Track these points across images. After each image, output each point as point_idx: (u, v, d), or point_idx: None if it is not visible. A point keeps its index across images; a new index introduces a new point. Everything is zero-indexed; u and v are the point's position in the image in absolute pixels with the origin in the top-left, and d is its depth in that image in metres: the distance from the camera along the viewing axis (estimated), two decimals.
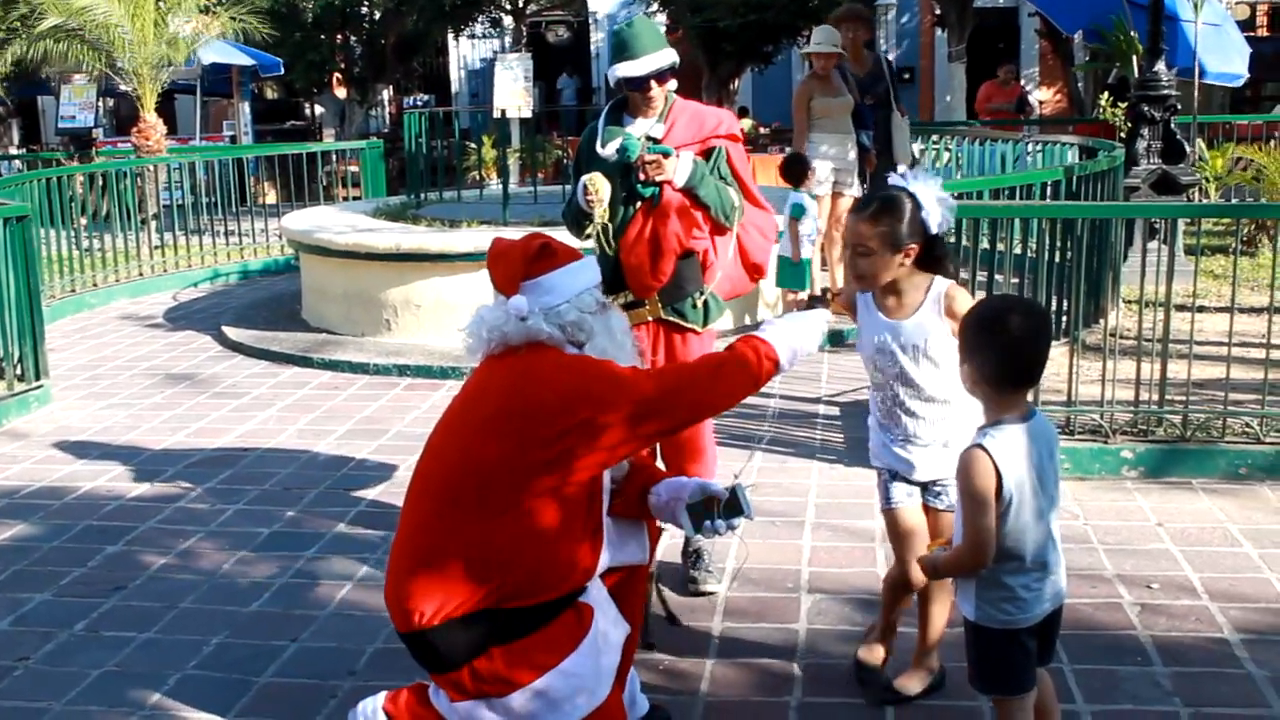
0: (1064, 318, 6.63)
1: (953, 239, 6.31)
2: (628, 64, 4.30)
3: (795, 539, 4.92)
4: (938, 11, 19.39)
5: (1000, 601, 2.91)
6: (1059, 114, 22.76)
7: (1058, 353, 6.28)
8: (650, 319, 4.42)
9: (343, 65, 22.24)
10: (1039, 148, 11.01)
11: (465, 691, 3.04)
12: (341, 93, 22.97)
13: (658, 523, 3.49)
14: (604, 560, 3.17)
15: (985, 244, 6.41)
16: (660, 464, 4.40)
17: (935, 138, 13.20)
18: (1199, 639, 3.99)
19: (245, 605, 4.47)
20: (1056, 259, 6.82)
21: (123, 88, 15.02)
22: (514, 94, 10.30)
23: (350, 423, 6.78)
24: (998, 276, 6.51)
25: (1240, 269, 6.85)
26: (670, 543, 4.64)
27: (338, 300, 8.88)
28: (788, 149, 9.71)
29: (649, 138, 4.37)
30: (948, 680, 3.68)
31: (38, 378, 7.33)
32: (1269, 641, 3.96)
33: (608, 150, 4.37)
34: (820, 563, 4.69)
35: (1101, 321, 7.36)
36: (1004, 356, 2.86)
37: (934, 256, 3.41)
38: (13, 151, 20.91)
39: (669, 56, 4.33)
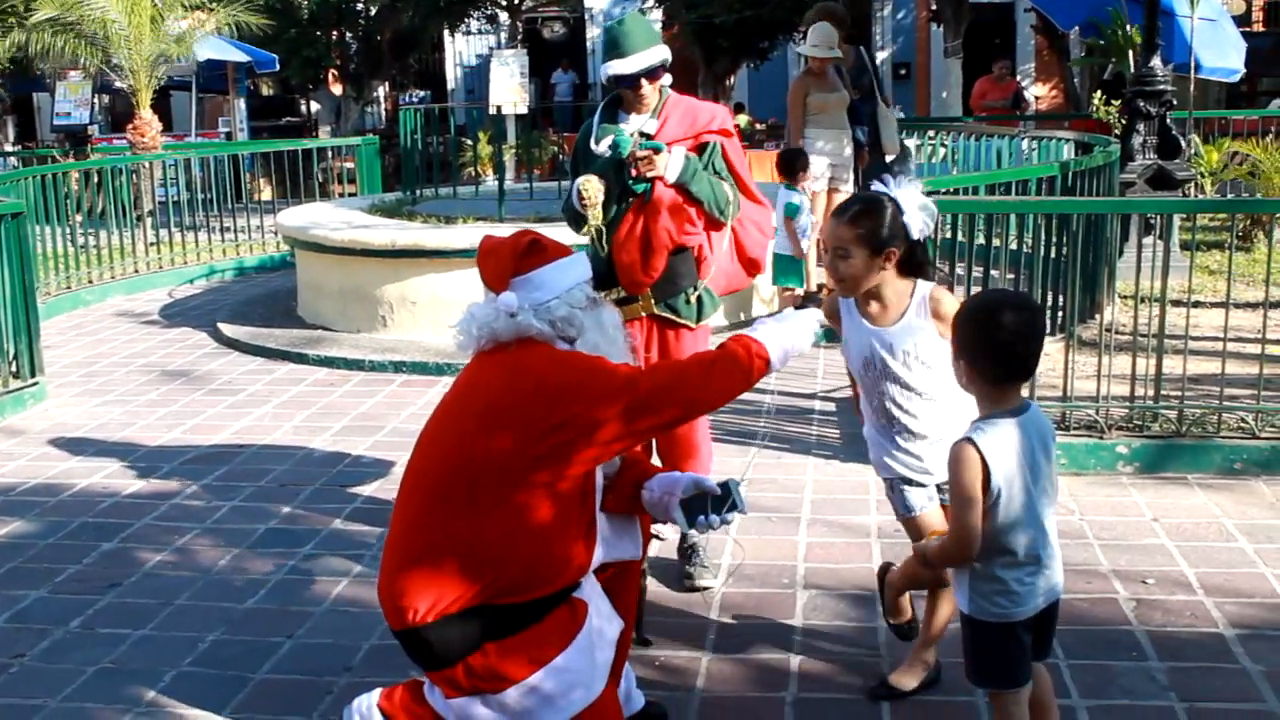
0: (1059, 313, 6.63)
1: (949, 234, 6.32)
2: (618, 62, 4.30)
3: (791, 535, 4.93)
4: (934, 7, 19.38)
5: (993, 594, 2.91)
6: (1055, 109, 22.77)
7: (1053, 348, 6.27)
8: (643, 315, 4.41)
9: (338, 61, 22.21)
10: (1035, 144, 11.02)
11: (460, 688, 3.04)
12: (337, 89, 22.93)
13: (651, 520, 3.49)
14: (598, 556, 3.17)
15: (981, 239, 6.41)
16: (656, 460, 4.40)
17: (931, 133, 13.20)
18: (1194, 634, 4.00)
19: (241, 602, 4.47)
20: (1052, 254, 6.82)
21: (118, 84, 14.99)
22: (510, 90, 10.30)
23: (346, 419, 6.78)
24: (993, 272, 6.50)
25: (1235, 264, 6.86)
26: (668, 540, 4.65)
27: (333, 297, 8.88)
28: (783, 145, 9.72)
29: (641, 133, 4.37)
30: (944, 676, 3.68)
31: (33, 375, 7.32)
32: (1264, 636, 3.96)
33: (601, 147, 4.36)
34: (816, 558, 4.69)
35: (1097, 317, 7.36)
36: (996, 351, 2.86)
37: (915, 262, 3.41)
38: (8, 148, 20.90)
39: (660, 54, 4.32)
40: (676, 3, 19.78)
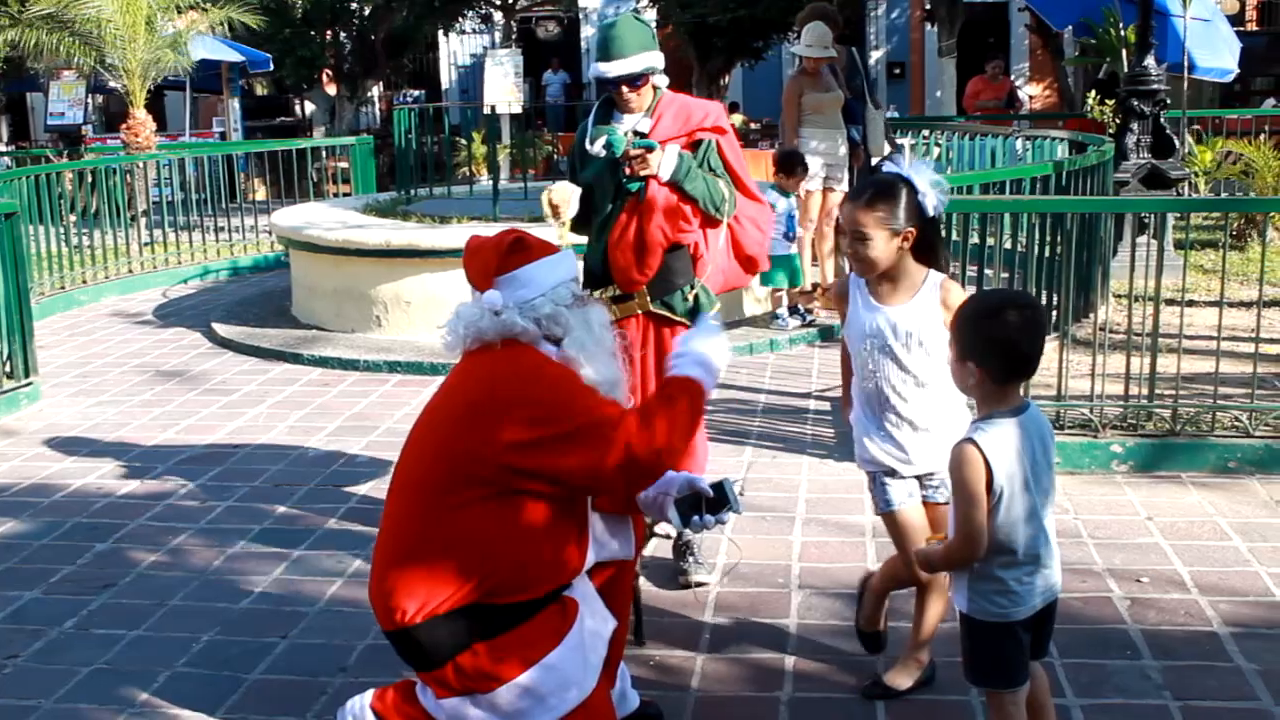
0: (1054, 312, 6.63)
1: (943, 233, 6.31)
2: (602, 64, 4.31)
3: (785, 534, 4.93)
4: (928, 6, 19.38)
5: (993, 594, 2.92)
6: (1049, 109, 22.79)
7: (1048, 347, 6.24)
8: (639, 312, 4.42)
9: (333, 61, 22.17)
10: (1029, 143, 11.03)
11: (450, 688, 3.03)
12: (331, 89, 22.90)
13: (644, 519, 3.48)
14: (590, 557, 3.17)
15: (975, 239, 6.41)
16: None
17: (925, 133, 13.21)
18: (1188, 632, 4.00)
19: (235, 602, 4.46)
20: (1046, 253, 6.83)
21: (112, 84, 14.95)
22: (504, 90, 10.30)
23: (340, 419, 6.77)
24: (988, 271, 6.51)
25: (1229, 263, 6.86)
26: (668, 540, 4.65)
27: (328, 297, 8.87)
28: (778, 144, 9.72)
29: (635, 132, 4.36)
30: (938, 675, 3.68)
31: (27, 375, 7.31)
32: (1258, 635, 3.97)
33: (595, 147, 4.36)
34: (810, 558, 4.69)
35: (1091, 316, 7.37)
36: (1000, 350, 2.86)
37: (929, 243, 3.42)
38: (1, 148, 20.85)
39: (645, 61, 4.29)
40: (671, 2, 19.77)
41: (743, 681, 3.80)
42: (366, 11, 21.98)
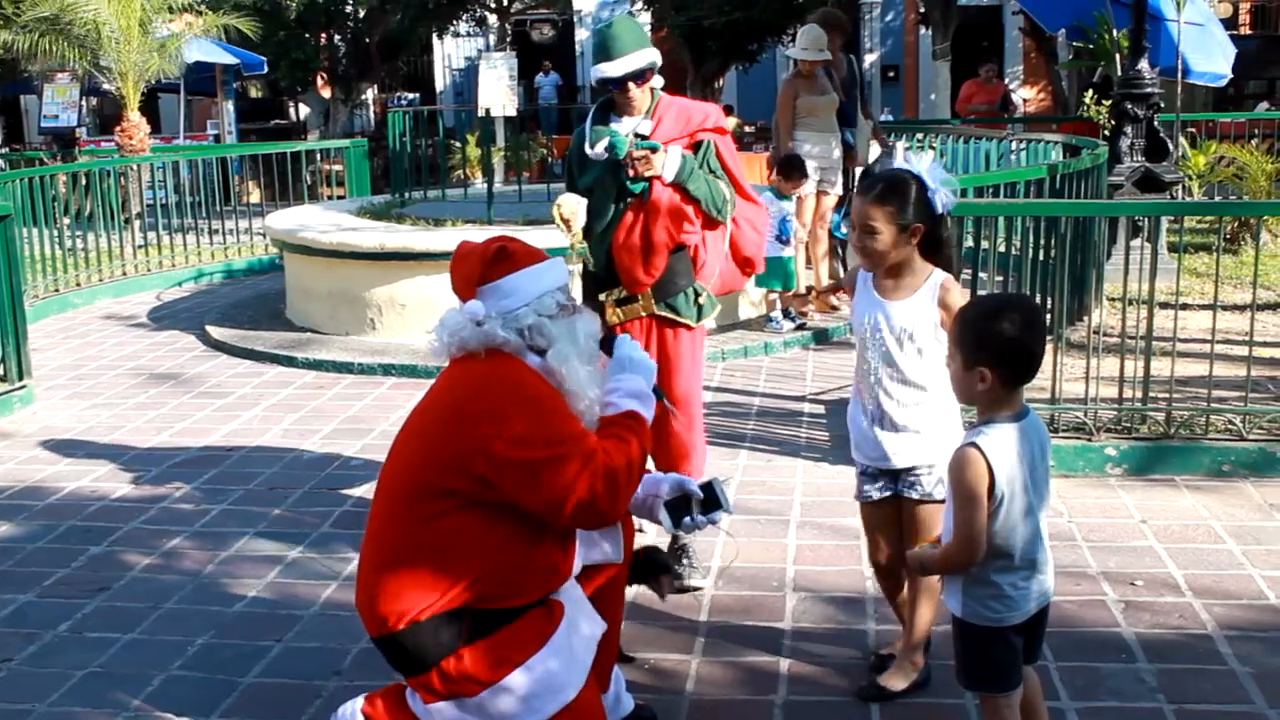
0: (1048, 315, 6.64)
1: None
2: (605, 64, 4.31)
3: (780, 537, 4.93)
4: (922, 10, 19.41)
5: (987, 599, 2.92)
6: (1043, 112, 22.83)
7: None
8: (644, 314, 4.43)
9: (327, 64, 22.18)
10: (1023, 146, 11.04)
11: (437, 693, 3.02)
12: (326, 92, 22.91)
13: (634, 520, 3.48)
14: (579, 560, 3.17)
15: (969, 242, 6.42)
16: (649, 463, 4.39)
17: (920, 136, 13.22)
18: (1182, 635, 4.01)
19: (230, 606, 4.46)
20: (1040, 257, 6.83)
21: (106, 87, 14.95)
22: (498, 92, 10.27)
23: (335, 422, 6.77)
24: (982, 274, 6.51)
25: (1223, 266, 6.87)
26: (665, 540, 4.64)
27: (322, 299, 8.87)
28: (772, 147, 9.73)
29: (637, 134, 4.37)
30: (932, 678, 3.69)
31: (20, 378, 7.30)
32: (1252, 638, 3.97)
33: (597, 149, 4.37)
34: (805, 561, 4.69)
35: (1085, 319, 7.37)
36: (1001, 354, 2.86)
37: (937, 241, 3.44)
38: None
39: (647, 57, 4.32)
40: (665, 5, 19.78)
41: (737, 685, 3.80)
42: (361, 14, 21.98)
